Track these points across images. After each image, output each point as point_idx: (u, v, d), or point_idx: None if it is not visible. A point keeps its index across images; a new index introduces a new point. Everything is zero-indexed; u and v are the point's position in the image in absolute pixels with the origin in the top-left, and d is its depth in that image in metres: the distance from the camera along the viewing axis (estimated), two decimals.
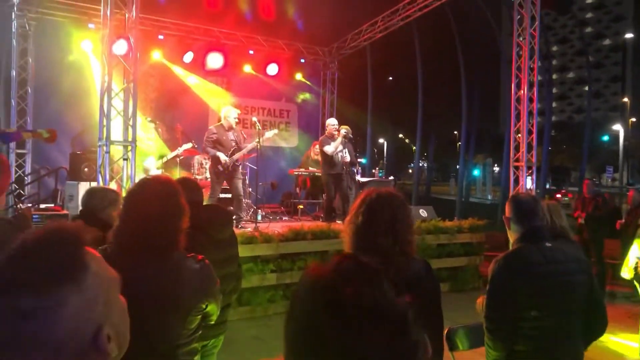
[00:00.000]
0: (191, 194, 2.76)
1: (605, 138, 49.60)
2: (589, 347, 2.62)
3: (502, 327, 2.45)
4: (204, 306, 2.12)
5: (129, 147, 6.52)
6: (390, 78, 25.49)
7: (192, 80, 11.20)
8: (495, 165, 44.77)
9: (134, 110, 6.67)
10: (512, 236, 2.64)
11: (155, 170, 7.57)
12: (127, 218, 2.07)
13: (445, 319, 2.21)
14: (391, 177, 10.89)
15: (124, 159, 6.47)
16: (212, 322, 2.29)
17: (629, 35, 77.09)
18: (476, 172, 40.81)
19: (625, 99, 57.88)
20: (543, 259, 2.46)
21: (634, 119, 49.99)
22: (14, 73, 9.78)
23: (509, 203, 2.69)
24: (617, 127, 46.22)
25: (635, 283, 5.25)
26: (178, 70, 11.00)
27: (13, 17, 9.68)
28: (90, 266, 0.87)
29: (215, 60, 10.92)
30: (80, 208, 3.30)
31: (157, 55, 10.55)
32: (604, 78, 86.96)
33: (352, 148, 8.61)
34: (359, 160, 8.63)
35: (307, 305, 0.85)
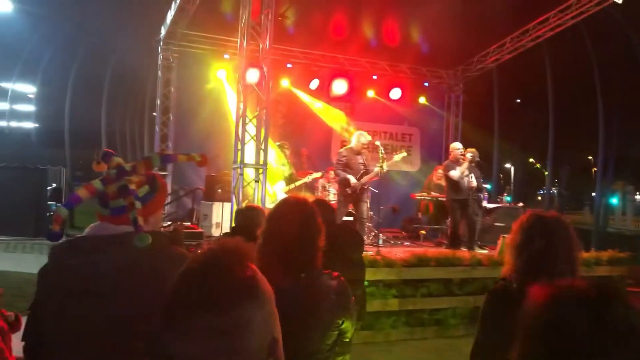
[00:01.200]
0: (325, 214, 2.86)
1: None
2: None
3: None
4: (340, 322, 2.16)
5: (261, 170, 6.86)
6: (518, 100, 24.38)
7: (317, 106, 11.56)
8: (638, 193, 40.98)
9: (266, 135, 7.02)
10: None
11: (282, 193, 7.87)
12: (268, 236, 2.17)
13: None
14: (520, 204, 10.37)
15: (255, 181, 6.81)
16: (348, 340, 2.32)
17: None
18: (614, 200, 37.62)
19: None
20: None
21: None
22: (158, 102, 10.75)
23: None
24: None
25: None
26: (304, 97, 11.41)
27: (159, 50, 10.67)
28: (262, 282, 0.94)
29: (340, 86, 11.19)
30: (231, 225, 3.53)
31: (285, 83, 11.04)
32: None
33: (478, 173, 8.35)
34: (485, 185, 8.34)
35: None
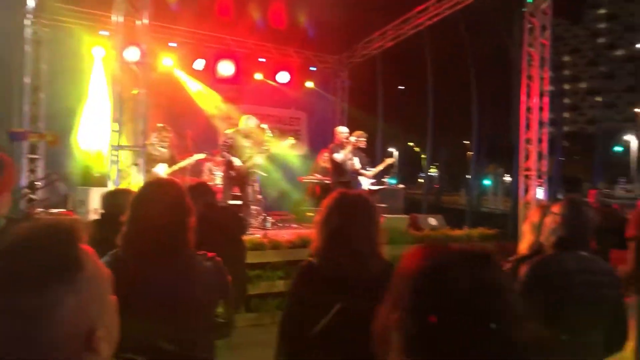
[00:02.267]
0: (205, 197, 2.84)
1: (618, 149, 49.16)
2: None
3: None
4: (217, 302, 2.15)
5: (139, 153, 6.57)
6: (402, 87, 25.43)
7: (202, 88, 11.26)
8: (507, 175, 44.54)
9: (145, 115, 6.72)
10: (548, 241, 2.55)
11: (164, 176, 7.60)
12: (134, 221, 2.09)
13: None
14: (401, 186, 10.84)
15: (134, 164, 6.51)
16: (225, 321, 2.31)
17: None
18: (487, 182, 40.63)
19: (638, 109, 57.45)
20: (575, 268, 2.37)
21: None
22: (27, 80, 9.88)
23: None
24: (630, 138, 45.84)
25: None
26: (184, 78, 11.05)
27: (27, 23, 9.79)
28: (86, 266, 0.86)
29: (226, 68, 10.98)
30: (101, 211, 3.34)
31: (168, 63, 10.62)
32: (617, 89, 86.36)
33: (364, 157, 8.63)
34: (370, 169, 8.66)
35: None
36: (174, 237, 2.06)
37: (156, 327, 1.95)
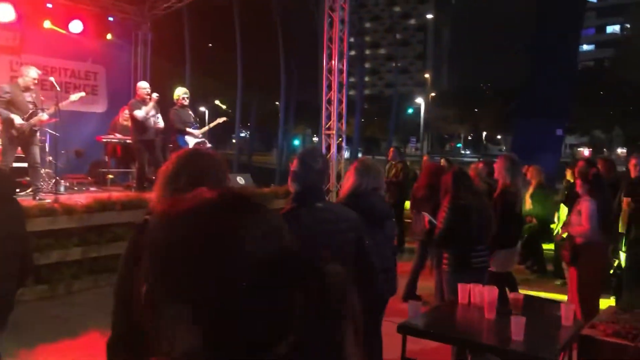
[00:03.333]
0: None
1: (410, 111, 54.36)
2: None
3: None
4: None
5: None
6: (210, 45, 24.88)
7: None
8: (315, 135, 46.64)
9: None
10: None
11: None
12: None
13: None
14: (209, 145, 10.68)
15: None
16: None
17: (429, 16, 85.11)
18: (297, 142, 42.12)
19: (427, 75, 63.94)
20: (312, 221, 2.49)
21: (433, 94, 55.42)
22: None
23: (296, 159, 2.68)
24: (420, 101, 50.92)
25: None
26: None
27: None
28: None
29: (4, 12, 9.58)
30: None
31: None
32: (410, 55, 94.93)
33: (190, 114, 8.36)
34: (197, 128, 8.37)
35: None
36: None
37: None
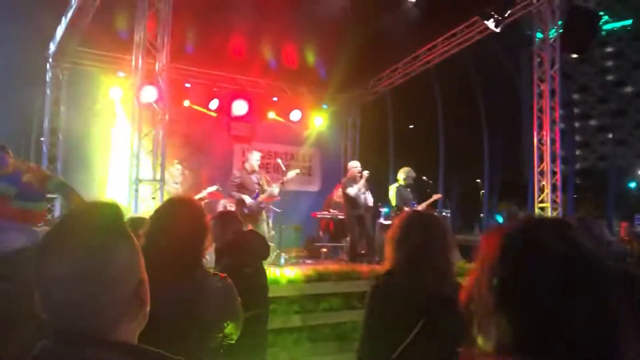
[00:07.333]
0: (234, 224, 2.99)
1: (633, 185, 48.76)
2: None
3: None
4: (225, 325, 2.14)
5: (157, 186, 6.66)
6: (411, 126, 25.67)
7: (217, 127, 11.45)
8: (520, 211, 44.08)
9: (164, 150, 6.86)
10: None
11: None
12: (152, 235, 2.11)
13: None
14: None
15: (152, 198, 6.60)
16: (232, 342, 2.30)
17: None
18: (500, 219, 40.18)
19: None
20: None
21: None
22: (46, 121, 10.14)
23: None
24: None
25: None
26: (204, 117, 11.26)
27: (48, 67, 10.11)
28: (129, 230, 1.05)
29: (240, 107, 11.18)
30: None
31: (184, 103, 10.84)
32: (627, 125, 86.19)
33: (409, 192, 8.79)
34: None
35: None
36: (191, 254, 2.09)
37: (167, 344, 1.96)
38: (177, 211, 2.19)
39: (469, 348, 0.94)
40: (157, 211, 2.26)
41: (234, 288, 2.21)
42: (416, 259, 2.16)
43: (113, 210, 1.02)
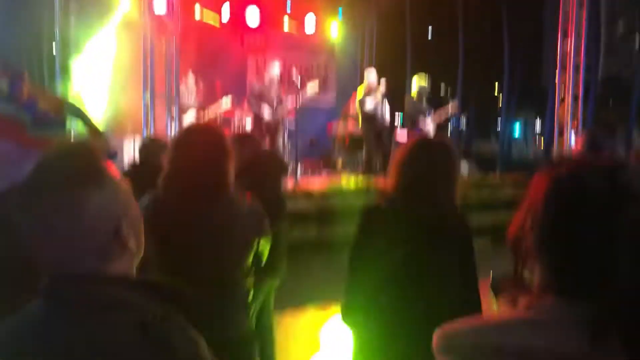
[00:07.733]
0: (252, 146, 3.01)
1: None
2: None
3: None
4: (256, 243, 2.19)
5: (172, 100, 6.63)
6: (429, 38, 24.71)
7: (230, 39, 11.14)
8: (538, 118, 43.48)
9: (178, 65, 6.75)
10: None
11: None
12: (175, 161, 2.13)
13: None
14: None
15: (168, 115, 6.59)
16: (262, 264, 2.36)
17: None
18: (518, 127, 39.74)
19: None
20: None
21: None
22: (57, 31, 9.90)
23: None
24: None
25: None
26: (216, 30, 10.92)
27: None
28: (108, 172, 1.02)
29: (253, 16, 10.79)
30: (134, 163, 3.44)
31: (195, 10, 10.48)
32: None
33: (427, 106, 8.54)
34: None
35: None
36: (215, 177, 2.10)
37: (204, 267, 2.02)
38: (198, 136, 2.20)
39: (514, 284, 0.98)
40: (178, 138, 2.27)
41: (260, 206, 2.25)
42: (416, 186, 2.14)
43: (85, 157, 1.01)
